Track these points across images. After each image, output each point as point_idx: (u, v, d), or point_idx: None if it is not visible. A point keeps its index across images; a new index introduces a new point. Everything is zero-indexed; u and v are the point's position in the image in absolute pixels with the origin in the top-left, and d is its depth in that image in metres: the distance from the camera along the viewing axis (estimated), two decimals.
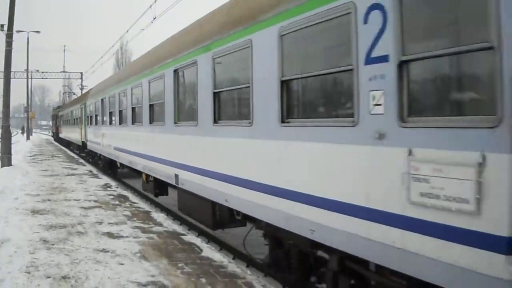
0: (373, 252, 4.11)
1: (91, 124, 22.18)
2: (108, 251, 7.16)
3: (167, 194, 11.93)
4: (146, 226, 9.16)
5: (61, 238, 7.90)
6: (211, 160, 7.57)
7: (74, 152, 31.37)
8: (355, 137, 4.29)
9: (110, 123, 16.78)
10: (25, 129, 57.55)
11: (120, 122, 14.83)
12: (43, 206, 10.82)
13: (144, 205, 11.80)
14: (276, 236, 6.38)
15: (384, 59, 3.92)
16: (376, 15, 4.01)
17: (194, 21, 9.48)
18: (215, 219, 7.93)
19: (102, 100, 18.47)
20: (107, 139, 17.40)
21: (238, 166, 6.60)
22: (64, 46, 76.52)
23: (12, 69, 19.34)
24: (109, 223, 9.22)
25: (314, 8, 4.75)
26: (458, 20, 3.54)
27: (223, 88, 7.19)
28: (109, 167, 19.20)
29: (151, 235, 8.39)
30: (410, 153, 3.65)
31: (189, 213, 9.42)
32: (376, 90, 4.01)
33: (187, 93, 9.17)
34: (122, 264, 6.55)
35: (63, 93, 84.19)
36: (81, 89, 61.52)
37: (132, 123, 13.09)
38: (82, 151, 27.20)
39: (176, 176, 9.19)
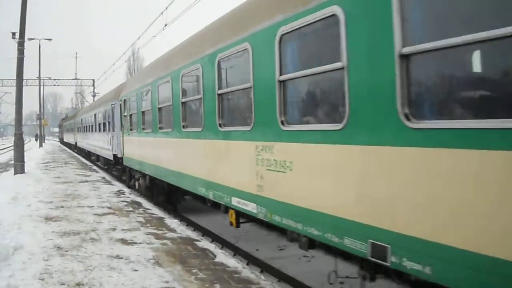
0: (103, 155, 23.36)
1: (78, 131, 39.31)
2: (121, 258, 7.12)
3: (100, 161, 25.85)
4: (159, 232, 9.11)
5: (74, 244, 7.88)
6: (100, 143, 23.62)
7: (73, 151, 44.29)
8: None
9: (85, 131, 33.18)
10: (38, 136, 58.07)
11: (87, 131, 31.55)
12: (57, 213, 10.84)
13: (157, 212, 11.75)
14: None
15: None
16: None
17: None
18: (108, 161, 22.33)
19: (81, 119, 35.96)
20: (85, 140, 33.81)
21: (97, 143, 25.43)
22: (76, 53, 77.29)
23: (24, 77, 19.38)
24: (123, 230, 9.19)
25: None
26: None
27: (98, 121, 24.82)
28: (90, 156, 33.01)
29: (164, 241, 8.34)
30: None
31: (103, 163, 25.03)
32: None
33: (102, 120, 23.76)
34: (136, 270, 6.50)
35: (67, 108, 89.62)
36: (93, 96, 61.63)
37: (89, 131, 29.40)
38: (76, 148, 42.59)
39: (95, 150, 26.39)
